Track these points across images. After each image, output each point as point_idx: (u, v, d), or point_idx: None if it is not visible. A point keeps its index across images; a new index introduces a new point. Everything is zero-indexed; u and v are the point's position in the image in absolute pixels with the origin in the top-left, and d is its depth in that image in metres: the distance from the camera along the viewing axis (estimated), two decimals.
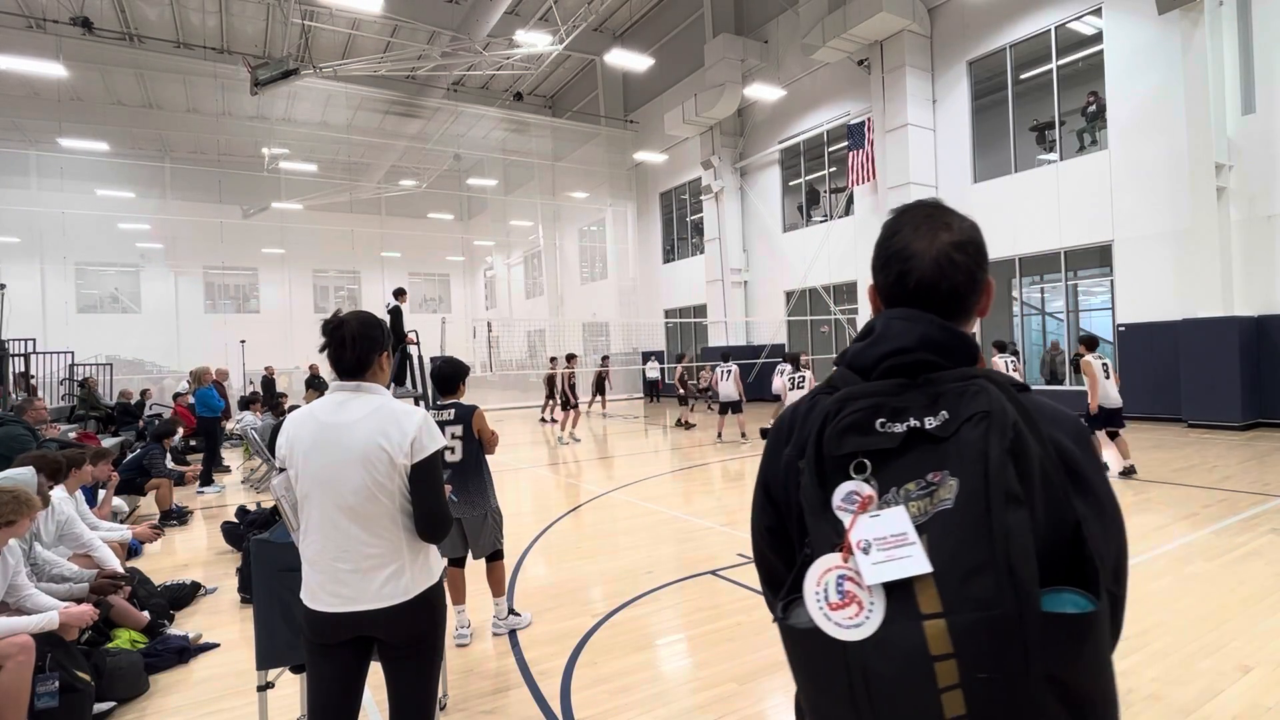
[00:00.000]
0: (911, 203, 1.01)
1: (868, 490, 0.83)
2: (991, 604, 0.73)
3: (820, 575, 0.81)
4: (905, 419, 0.84)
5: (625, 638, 3.85)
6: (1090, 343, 7.71)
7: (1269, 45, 10.41)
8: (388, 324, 2.10)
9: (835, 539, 0.83)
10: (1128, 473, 7.63)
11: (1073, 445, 0.86)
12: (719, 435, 12.16)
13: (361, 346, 1.97)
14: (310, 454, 1.92)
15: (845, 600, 0.79)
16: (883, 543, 0.78)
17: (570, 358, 14.40)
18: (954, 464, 0.80)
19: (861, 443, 0.85)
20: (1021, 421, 0.82)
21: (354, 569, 1.90)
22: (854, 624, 0.77)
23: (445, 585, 2.16)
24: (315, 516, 1.92)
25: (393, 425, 1.92)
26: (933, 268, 0.94)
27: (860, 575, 0.78)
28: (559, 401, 13.74)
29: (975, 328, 1.02)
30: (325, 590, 1.91)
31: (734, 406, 11.87)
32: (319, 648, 1.96)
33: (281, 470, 1.99)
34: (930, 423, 0.83)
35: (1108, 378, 7.63)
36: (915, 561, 0.76)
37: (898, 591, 0.77)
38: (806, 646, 0.82)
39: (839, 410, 0.88)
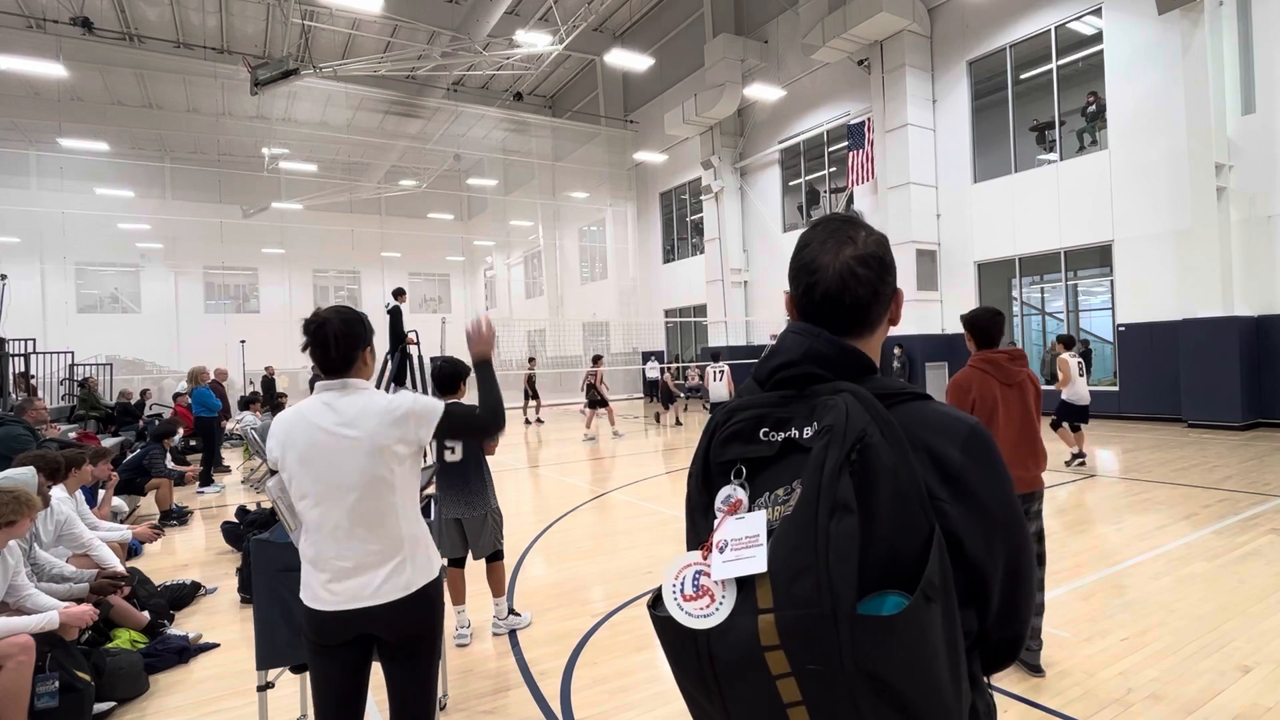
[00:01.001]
0: (825, 216, 1.07)
1: (740, 494, 0.90)
2: (811, 603, 0.79)
3: (679, 570, 0.90)
4: (788, 429, 0.91)
5: (625, 638, 3.85)
6: (1068, 342, 8.08)
7: (1269, 45, 10.41)
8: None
9: (705, 537, 0.91)
10: (1073, 459, 8.07)
11: (958, 453, 0.90)
12: None
13: (346, 345, 1.96)
14: (306, 455, 1.91)
15: (699, 593, 0.87)
16: (737, 543, 0.86)
17: (597, 359, 14.85)
18: (805, 474, 0.86)
19: (743, 450, 0.93)
20: (879, 434, 0.85)
21: (355, 565, 1.90)
22: (704, 614, 0.85)
23: (445, 585, 2.17)
24: (314, 516, 1.92)
25: (385, 416, 1.93)
26: (836, 281, 0.98)
27: (710, 571, 0.87)
28: (585, 400, 14.18)
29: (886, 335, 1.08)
30: (326, 589, 1.91)
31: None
32: (321, 649, 1.96)
33: (274, 473, 1.99)
34: (807, 433, 0.89)
35: (1082, 376, 8.03)
36: (756, 562, 0.84)
37: (745, 587, 0.84)
38: (666, 633, 0.90)
39: (727, 419, 0.96)
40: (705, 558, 0.88)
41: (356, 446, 1.90)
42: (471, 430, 2.20)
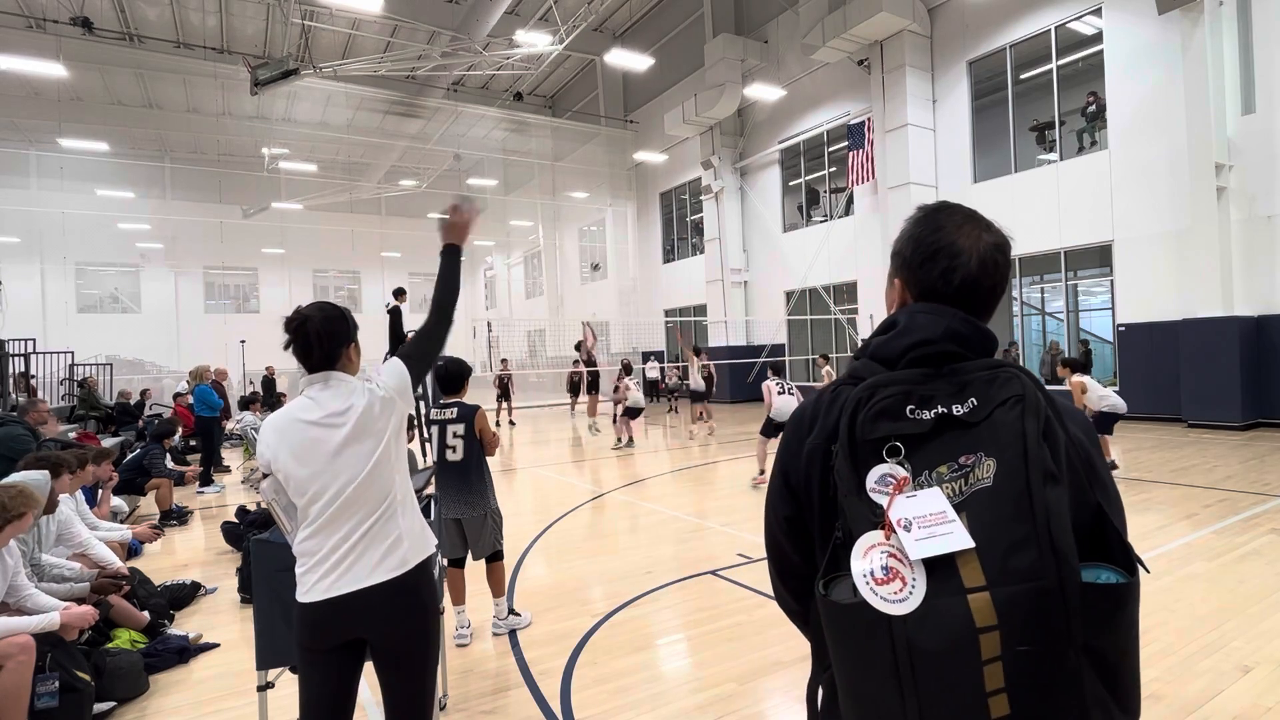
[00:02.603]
0: (940, 203, 1.06)
1: (902, 473, 0.87)
2: (1034, 576, 0.77)
3: (865, 551, 0.84)
4: (934, 406, 0.88)
5: (625, 638, 3.85)
6: (1074, 365, 7.45)
7: (1269, 45, 10.41)
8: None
9: (873, 518, 0.85)
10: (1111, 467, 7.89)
11: (1084, 438, 0.92)
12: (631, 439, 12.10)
13: (327, 344, 1.96)
14: (300, 451, 1.91)
15: (889, 576, 0.81)
16: (923, 521, 0.82)
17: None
18: (988, 445, 0.84)
19: (894, 428, 0.89)
20: (1049, 409, 0.87)
21: (354, 545, 1.91)
22: (899, 598, 0.80)
23: (445, 586, 2.17)
24: (315, 509, 1.91)
25: (372, 401, 1.97)
26: (979, 266, 0.99)
27: (904, 551, 0.81)
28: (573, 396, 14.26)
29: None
30: (326, 578, 1.90)
31: (637, 413, 11.92)
32: (312, 655, 1.94)
33: (265, 475, 1.99)
34: (959, 409, 0.87)
35: (1108, 386, 7.70)
36: (957, 538, 0.80)
37: (940, 568, 0.80)
38: (849, 622, 0.84)
39: (870, 396, 0.91)
40: (888, 538, 0.83)
41: (350, 435, 1.92)
42: (429, 351, 2.16)
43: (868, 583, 0.82)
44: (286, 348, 1.98)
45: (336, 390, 1.96)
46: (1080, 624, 0.76)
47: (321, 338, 1.95)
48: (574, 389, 17.97)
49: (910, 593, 0.80)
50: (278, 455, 1.93)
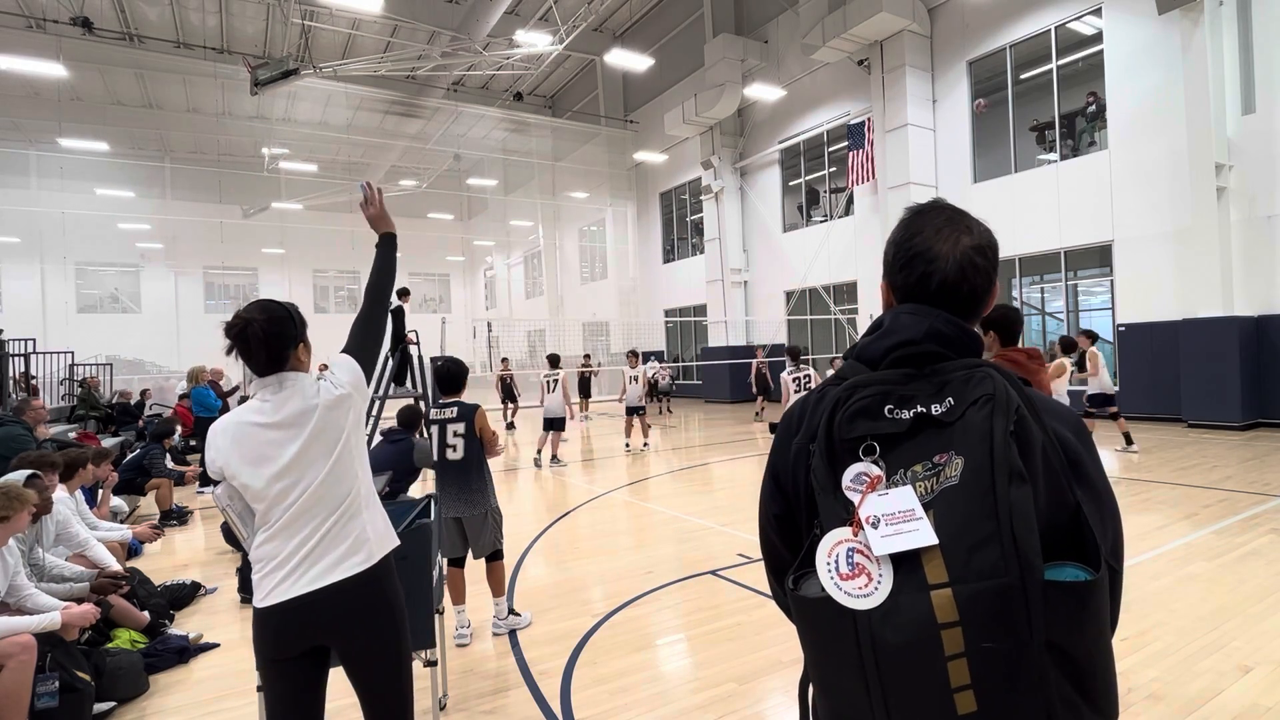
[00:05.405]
0: (927, 204, 1.05)
1: (876, 471, 0.87)
2: (996, 573, 0.77)
3: (831, 548, 0.85)
4: (913, 406, 0.89)
5: (625, 638, 3.85)
6: (1092, 336, 8.69)
7: (1269, 45, 10.41)
8: (298, 311, 1.97)
9: (845, 515, 0.86)
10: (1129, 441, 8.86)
11: (1072, 438, 0.91)
12: (538, 455, 10.55)
13: (271, 346, 1.87)
14: (255, 455, 1.84)
15: (855, 571, 0.83)
16: (891, 518, 0.83)
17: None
18: (959, 444, 0.84)
19: (871, 427, 0.89)
20: (1024, 408, 0.85)
21: (316, 545, 1.85)
22: (863, 594, 0.81)
23: (445, 585, 2.16)
24: (275, 512, 1.85)
25: (327, 399, 1.91)
26: (955, 271, 0.98)
27: (869, 548, 0.82)
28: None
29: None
30: (285, 581, 1.82)
31: (558, 424, 10.43)
32: (274, 664, 1.87)
33: (217, 482, 1.92)
34: (936, 409, 0.87)
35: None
36: (922, 535, 0.81)
37: (905, 564, 0.81)
38: (817, 616, 0.86)
39: (849, 396, 0.92)
40: (855, 534, 0.84)
41: (310, 434, 1.86)
42: (371, 337, 2.09)
43: (832, 578, 0.83)
44: (229, 353, 1.88)
45: (291, 391, 1.88)
46: (1042, 621, 0.76)
47: (265, 341, 1.85)
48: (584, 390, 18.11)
49: (875, 588, 0.81)
50: (230, 461, 1.85)
